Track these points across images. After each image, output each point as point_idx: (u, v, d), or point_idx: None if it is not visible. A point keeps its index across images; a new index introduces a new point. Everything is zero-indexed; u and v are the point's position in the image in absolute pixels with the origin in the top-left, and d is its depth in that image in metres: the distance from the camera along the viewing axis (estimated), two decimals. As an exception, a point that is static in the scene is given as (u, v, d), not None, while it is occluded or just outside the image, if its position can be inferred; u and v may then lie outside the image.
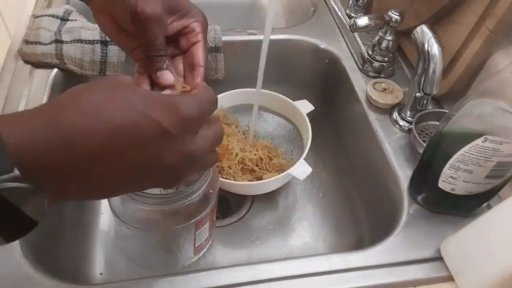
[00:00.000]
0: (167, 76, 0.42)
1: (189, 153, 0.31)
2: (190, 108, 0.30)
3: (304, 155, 0.59)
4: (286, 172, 0.58)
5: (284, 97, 0.68)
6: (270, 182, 0.60)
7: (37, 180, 0.26)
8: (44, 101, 0.61)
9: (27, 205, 0.27)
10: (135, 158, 0.29)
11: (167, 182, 0.33)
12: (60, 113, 0.27)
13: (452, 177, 0.47)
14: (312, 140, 0.62)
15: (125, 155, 0.28)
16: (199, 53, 0.43)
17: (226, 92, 0.68)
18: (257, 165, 0.64)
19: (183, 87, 0.41)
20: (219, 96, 0.67)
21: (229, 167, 0.63)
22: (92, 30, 0.66)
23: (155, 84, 0.42)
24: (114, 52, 0.65)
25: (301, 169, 0.58)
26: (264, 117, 0.71)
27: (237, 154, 0.63)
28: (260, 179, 0.63)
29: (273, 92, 0.68)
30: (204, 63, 0.43)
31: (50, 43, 0.64)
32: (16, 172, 0.25)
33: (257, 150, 0.65)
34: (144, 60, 0.42)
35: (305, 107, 0.66)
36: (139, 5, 0.39)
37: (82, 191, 0.29)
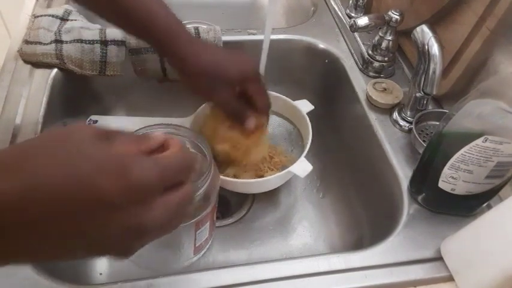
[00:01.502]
0: (253, 122, 0.56)
1: (138, 226, 0.27)
2: (146, 174, 0.26)
3: (305, 153, 0.59)
4: (286, 170, 0.58)
5: (284, 97, 0.68)
6: (271, 180, 0.60)
7: None
8: (44, 100, 0.61)
9: None
10: (74, 227, 0.26)
11: (116, 254, 0.29)
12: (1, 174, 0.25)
13: (453, 177, 0.47)
14: (312, 139, 0.62)
15: (61, 223, 0.25)
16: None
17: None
18: (262, 163, 0.64)
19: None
20: None
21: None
22: (91, 30, 0.66)
23: None
24: (114, 52, 0.65)
25: (302, 167, 0.58)
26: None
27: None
28: (261, 177, 0.63)
29: (273, 92, 0.68)
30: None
31: (50, 43, 0.64)
32: None
33: None
34: None
35: (305, 106, 0.66)
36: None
37: (23, 253, 0.27)
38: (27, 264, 0.35)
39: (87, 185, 0.25)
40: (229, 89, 0.54)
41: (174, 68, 0.56)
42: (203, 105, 0.66)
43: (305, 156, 0.59)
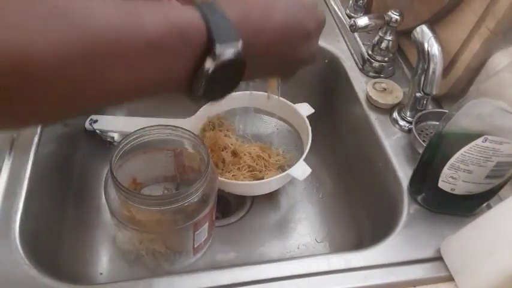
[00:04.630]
0: None
1: (315, 50, 0.39)
2: (322, 16, 0.38)
3: (304, 156, 0.59)
4: (285, 173, 0.58)
5: (284, 100, 0.68)
6: (270, 182, 0.60)
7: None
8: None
9: (240, 71, 0.32)
10: (287, 49, 0.36)
11: (292, 71, 0.40)
12: (247, 4, 0.33)
13: (452, 177, 0.47)
14: (311, 139, 0.62)
15: (284, 46, 0.35)
16: None
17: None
18: (256, 164, 0.64)
19: None
20: None
21: (223, 161, 0.63)
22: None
23: None
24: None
25: (301, 170, 0.58)
26: (263, 120, 0.71)
27: (231, 145, 0.64)
28: (260, 179, 0.63)
29: (273, 95, 0.68)
30: None
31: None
32: (240, 42, 0.30)
33: (253, 149, 0.65)
34: None
35: (305, 110, 0.66)
36: None
37: (254, 72, 0.34)
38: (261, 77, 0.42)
39: (296, 18, 0.35)
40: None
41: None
42: (204, 106, 0.66)
43: (304, 157, 0.59)
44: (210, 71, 0.29)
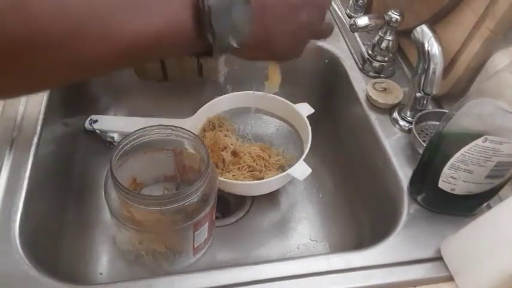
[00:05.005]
0: None
1: (312, 23, 0.41)
2: None
3: (304, 156, 0.59)
4: (285, 172, 0.58)
5: (284, 100, 0.68)
6: (270, 182, 0.60)
7: None
8: (44, 100, 0.61)
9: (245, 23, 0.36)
10: (303, 13, 0.39)
11: (316, 16, 0.41)
12: None
13: (453, 177, 0.47)
14: (311, 139, 0.62)
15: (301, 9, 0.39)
16: None
17: (225, 95, 0.68)
18: (256, 164, 0.64)
19: None
20: (217, 99, 0.67)
21: (223, 161, 0.63)
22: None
23: None
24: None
25: (301, 170, 0.58)
26: (263, 120, 0.71)
27: (231, 145, 0.64)
28: (260, 179, 0.63)
29: (273, 95, 0.68)
30: None
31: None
32: None
33: (253, 149, 0.65)
34: None
35: (305, 110, 0.66)
36: None
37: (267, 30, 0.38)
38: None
39: None
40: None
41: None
42: (204, 106, 0.66)
43: (304, 157, 0.59)
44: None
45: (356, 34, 0.75)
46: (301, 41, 0.42)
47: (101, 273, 0.59)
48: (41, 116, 0.59)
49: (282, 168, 0.66)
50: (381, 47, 0.67)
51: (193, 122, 0.65)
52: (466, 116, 0.44)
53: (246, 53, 0.40)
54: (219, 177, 0.56)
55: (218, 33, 0.34)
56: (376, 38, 0.68)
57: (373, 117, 0.64)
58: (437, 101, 0.65)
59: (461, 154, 0.45)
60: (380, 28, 0.67)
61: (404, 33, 0.67)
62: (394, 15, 0.63)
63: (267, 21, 0.38)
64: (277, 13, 0.38)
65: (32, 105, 0.60)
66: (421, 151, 0.54)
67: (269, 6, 0.37)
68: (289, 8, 0.38)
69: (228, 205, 0.69)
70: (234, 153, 0.66)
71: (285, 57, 0.45)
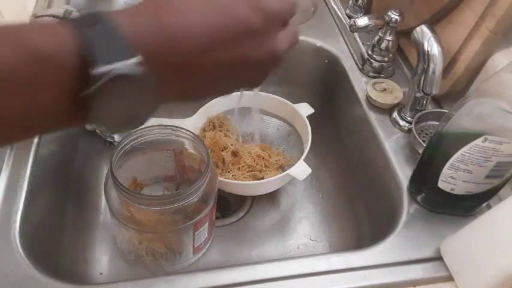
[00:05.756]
0: None
1: (273, 49, 0.32)
2: (275, 4, 0.31)
3: (303, 156, 0.59)
4: (285, 172, 0.58)
5: (284, 100, 0.68)
6: (270, 182, 0.60)
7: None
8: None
9: (145, 94, 0.27)
10: (227, 54, 0.30)
11: (254, 79, 0.34)
12: (160, 14, 0.28)
13: (452, 177, 0.47)
14: (311, 139, 0.62)
15: (218, 51, 0.29)
16: None
17: (225, 95, 0.68)
18: (256, 164, 0.64)
19: None
20: (217, 99, 0.67)
21: (223, 161, 0.63)
22: (92, 31, 0.66)
23: None
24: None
25: (301, 170, 0.58)
26: (263, 120, 0.71)
27: (231, 145, 0.64)
28: (260, 179, 0.63)
29: (273, 95, 0.68)
30: None
31: (50, 43, 0.64)
32: (138, 58, 0.25)
33: (253, 149, 0.65)
34: None
35: (305, 109, 0.66)
36: None
37: (184, 87, 0.31)
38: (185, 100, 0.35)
39: (230, 15, 0.29)
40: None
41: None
42: (204, 106, 0.66)
43: (304, 157, 0.59)
44: (91, 93, 0.25)
45: (356, 34, 0.75)
46: (230, 90, 0.35)
47: (101, 273, 0.59)
48: (41, 116, 0.59)
49: (282, 168, 0.66)
50: (381, 47, 0.67)
51: (194, 122, 0.65)
52: (465, 116, 0.44)
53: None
54: (219, 177, 0.56)
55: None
56: (376, 38, 0.68)
57: (373, 117, 0.64)
58: (437, 101, 0.65)
59: (461, 154, 0.45)
60: (380, 28, 0.67)
61: (404, 34, 0.67)
62: (394, 16, 0.63)
63: (190, 83, 0.31)
64: (209, 76, 0.31)
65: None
66: (420, 151, 0.54)
67: (198, 68, 0.29)
68: (225, 71, 0.31)
69: (228, 205, 0.69)
70: (234, 153, 0.66)
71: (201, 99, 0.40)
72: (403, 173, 0.56)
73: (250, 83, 0.35)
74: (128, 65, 0.25)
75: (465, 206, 0.51)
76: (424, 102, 0.60)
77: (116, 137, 0.70)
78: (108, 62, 0.24)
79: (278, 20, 0.32)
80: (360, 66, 0.71)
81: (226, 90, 0.35)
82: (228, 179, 0.61)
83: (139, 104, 0.28)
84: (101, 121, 0.27)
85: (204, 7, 0.29)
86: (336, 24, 0.80)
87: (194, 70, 0.29)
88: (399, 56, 0.72)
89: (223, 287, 0.45)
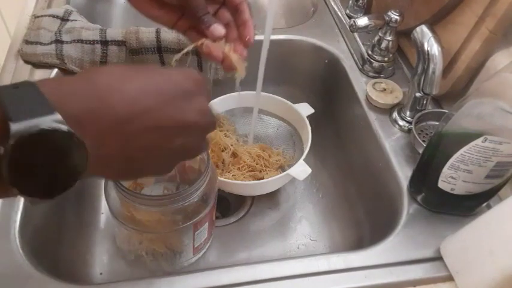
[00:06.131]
0: (219, 28, 0.48)
1: (206, 108, 0.35)
2: (200, 76, 0.35)
3: (303, 156, 0.59)
4: (285, 172, 0.58)
5: (284, 100, 0.68)
6: (270, 182, 0.60)
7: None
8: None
9: (69, 155, 0.26)
10: (162, 116, 0.31)
11: (195, 141, 0.35)
12: (95, 77, 0.30)
13: (452, 177, 0.47)
14: (311, 139, 0.62)
15: (153, 112, 0.30)
16: (245, 8, 0.51)
17: (225, 95, 0.68)
18: (256, 164, 0.64)
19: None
20: (217, 99, 0.67)
21: (223, 161, 0.63)
22: (92, 30, 0.66)
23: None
24: (114, 52, 0.65)
25: (301, 170, 0.58)
26: (263, 120, 0.71)
27: (231, 145, 0.64)
28: (260, 179, 0.63)
29: (273, 95, 0.68)
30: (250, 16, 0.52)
31: (50, 43, 0.64)
32: (58, 115, 0.25)
33: (253, 149, 0.65)
34: (190, 29, 0.50)
35: (305, 109, 0.66)
36: None
37: (122, 155, 0.31)
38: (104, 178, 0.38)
39: (168, 81, 0.33)
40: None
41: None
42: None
43: (304, 157, 0.59)
44: (9, 149, 0.24)
45: (356, 34, 0.75)
46: (171, 164, 0.36)
47: (101, 273, 0.59)
48: (41, 116, 0.59)
49: (282, 168, 0.66)
50: (381, 47, 0.67)
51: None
52: (465, 116, 0.44)
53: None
54: (219, 177, 0.56)
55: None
56: (376, 38, 0.68)
57: (373, 117, 0.64)
58: (437, 101, 0.65)
59: (461, 154, 0.45)
60: (380, 28, 0.67)
61: (404, 34, 0.67)
62: (394, 16, 0.63)
63: (128, 151, 0.30)
64: (143, 143, 0.31)
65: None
66: (420, 151, 0.54)
67: (132, 134, 0.29)
68: (160, 136, 0.31)
69: (228, 205, 0.69)
70: (234, 153, 0.66)
71: (146, 176, 0.42)
72: (403, 173, 0.56)
73: (192, 150, 0.36)
74: (47, 121, 0.25)
75: (465, 206, 0.51)
76: (424, 102, 0.60)
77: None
78: (25, 119, 0.24)
79: (204, 86, 0.35)
80: (360, 66, 0.71)
81: (168, 161, 0.35)
82: (228, 179, 0.61)
83: (64, 164, 0.27)
84: (23, 182, 0.26)
85: (138, 76, 0.31)
86: (336, 24, 0.80)
87: (131, 133, 0.30)
88: (399, 56, 0.72)
89: (223, 287, 0.45)
